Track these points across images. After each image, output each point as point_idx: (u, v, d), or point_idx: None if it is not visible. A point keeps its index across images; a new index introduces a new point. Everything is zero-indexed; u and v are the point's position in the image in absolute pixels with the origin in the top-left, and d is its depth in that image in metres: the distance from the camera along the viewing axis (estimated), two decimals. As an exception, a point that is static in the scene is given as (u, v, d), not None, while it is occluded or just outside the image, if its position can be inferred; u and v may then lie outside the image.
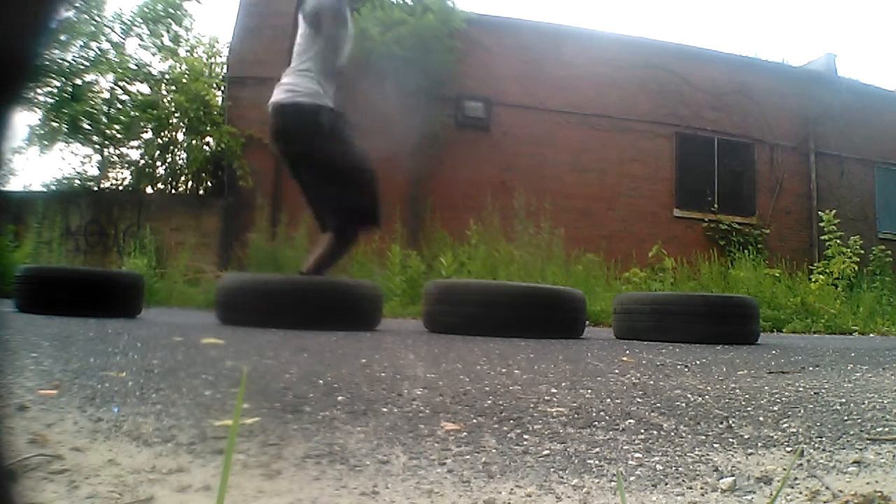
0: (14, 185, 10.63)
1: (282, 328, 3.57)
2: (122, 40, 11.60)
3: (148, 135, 11.10)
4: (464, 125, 10.93)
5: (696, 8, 48.64)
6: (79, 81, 10.84)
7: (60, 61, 9.89)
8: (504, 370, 2.13)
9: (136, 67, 11.30)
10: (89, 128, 10.99)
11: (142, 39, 11.79)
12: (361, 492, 0.81)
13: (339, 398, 1.45)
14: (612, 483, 0.89)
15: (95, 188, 11.27)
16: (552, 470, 0.95)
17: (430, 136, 10.35)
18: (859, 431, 1.29)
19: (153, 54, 11.76)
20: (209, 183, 10.98)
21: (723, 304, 4.52)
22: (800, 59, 23.17)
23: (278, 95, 4.02)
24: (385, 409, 1.35)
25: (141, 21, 11.64)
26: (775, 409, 1.55)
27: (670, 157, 12.07)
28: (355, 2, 3.85)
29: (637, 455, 1.06)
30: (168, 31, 11.93)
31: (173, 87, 10.71)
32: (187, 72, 10.98)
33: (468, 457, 1.00)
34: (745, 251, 10.14)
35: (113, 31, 11.49)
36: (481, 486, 0.86)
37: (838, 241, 9.90)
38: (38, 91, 8.95)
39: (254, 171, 10.03)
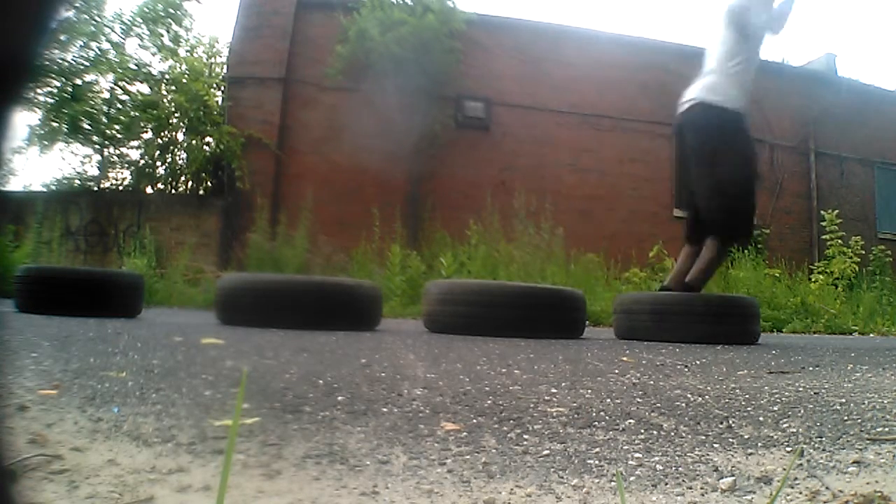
0: (14, 185, 10.66)
1: (282, 328, 3.57)
2: (122, 40, 11.61)
3: (148, 135, 11.11)
4: (464, 125, 10.93)
5: (696, 8, 48.64)
6: (79, 81, 10.84)
7: (60, 61, 9.89)
8: (504, 370, 2.13)
9: (136, 67, 11.30)
10: (89, 128, 10.99)
11: (142, 39, 11.80)
12: (361, 492, 0.81)
13: (339, 398, 1.45)
14: (612, 483, 0.89)
15: (95, 188, 11.27)
16: (552, 470, 0.95)
17: (430, 136, 10.35)
18: (859, 431, 1.29)
19: (153, 54, 11.78)
20: (209, 183, 10.98)
21: (723, 304, 4.52)
22: (800, 59, 23.17)
23: (705, 94, 4.09)
24: (385, 409, 1.35)
25: (141, 21, 11.64)
26: (775, 409, 1.55)
27: (670, 157, 12.06)
28: (780, 21, 4.09)
29: (637, 455, 1.06)
30: (168, 31, 11.93)
31: (173, 87, 10.71)
32: (187, 72, 10.99)
33: (468, 457, 1.00)
34: (745, 251, 10.13)
35: (113, 31, 11.49)
36: (481, 486, 0.86)
37: (839, 241, 9.90)
38: (38, 91, 8.96)
39: (253, 171, 10.03)
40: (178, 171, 11.18)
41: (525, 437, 1.16)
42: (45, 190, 11.14)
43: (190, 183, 11.21)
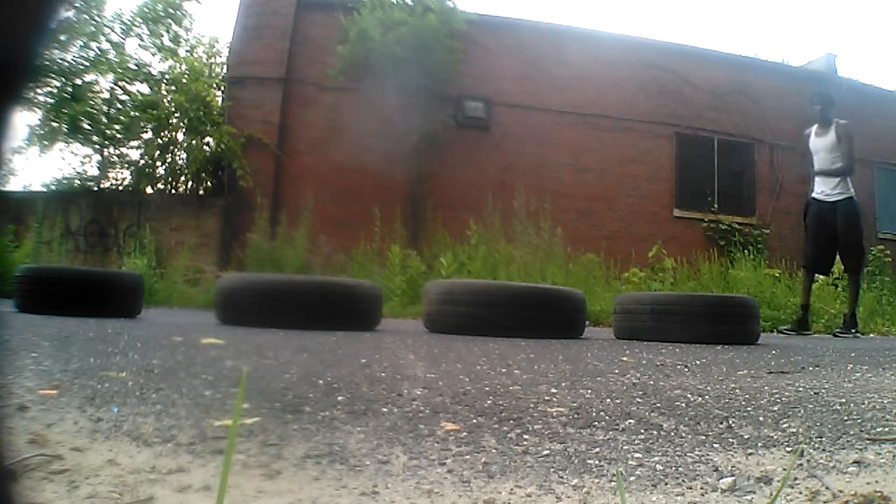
0: (14, 185, 10.65)
1: (282, 328, 3.57)
2: (122, 40, 11.59)
3: (148, 135, 11.09)
4: (464, 125, 10.93)
5: (696, 8, 48.60)
6: (79, 81, 10.83)
7: (60, 61, 9.87)
8: (504, 370, 2.13)
9: (136, 67, 11.29)
10: (89, 128, 10.98)
11: (142, 39, 11.78)
12: (361, 492, 0.81)
13: (339, 398, 1.45)
14: (612, 483, 0.89)
15: (95, 188, 11.26)
16: (552, 470, 0.95)
17: (430, 136, 10.34)
18: (859, 431, 1.29)
19: (153, 54, 11.76)
20: (209, 183, 10.97)
21: (723, 304, 4.52)
22: (800, 59, 23.15)
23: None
24: (385, 409, 1.35)
25: (141, 21, 11.63)
26: (775, 409, 1.55)
27: (670, 157, 12.06)
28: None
29: (637, 455, 1.06)
30: (168, 31, 11.91)
31: (173, 87, 10.69)
32: (187, 72, 10.97)
33: (468, 457, 1.00)
34: (745, 251, 10.13)
35: (113, 31, 11.47)
36: (481, 486, 0.86)
37: (839, 241, 9.87)
38: (38, 91, 8.94)
39: (253, 171, 10.03)
40: (178, 171, 11.17)
41: (525, 437, 1.16)
42: (45, 190, 11.13)
43: (190, 183, 11.19)
